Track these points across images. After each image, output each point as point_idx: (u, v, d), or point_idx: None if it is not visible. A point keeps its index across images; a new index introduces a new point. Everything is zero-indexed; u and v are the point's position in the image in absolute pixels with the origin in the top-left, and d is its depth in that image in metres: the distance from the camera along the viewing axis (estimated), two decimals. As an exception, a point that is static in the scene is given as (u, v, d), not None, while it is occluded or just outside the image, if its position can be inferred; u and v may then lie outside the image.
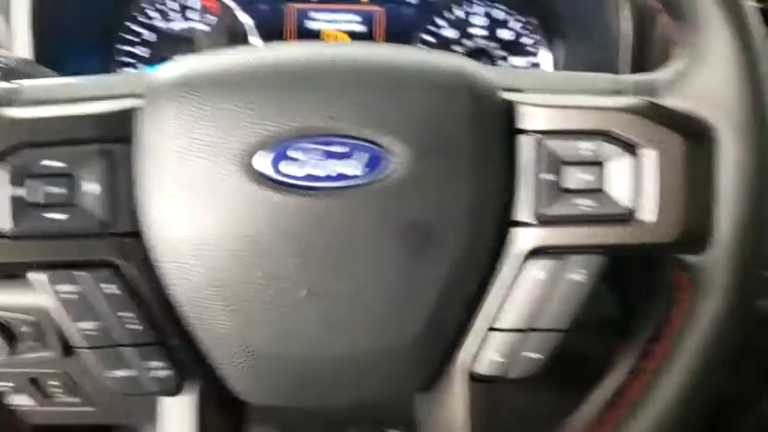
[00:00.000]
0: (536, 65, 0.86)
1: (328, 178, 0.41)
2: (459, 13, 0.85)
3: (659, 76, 0.44)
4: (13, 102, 0.42)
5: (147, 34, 0.83)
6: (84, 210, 0.41)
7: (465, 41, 0.85)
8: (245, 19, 0.83)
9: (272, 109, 0.40)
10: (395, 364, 0.43)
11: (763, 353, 0.69)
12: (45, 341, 0.56)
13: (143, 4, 0.83)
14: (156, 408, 0.46)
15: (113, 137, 0.41)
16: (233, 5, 0.82)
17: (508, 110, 0.43)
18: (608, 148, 0.42)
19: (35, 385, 0.62)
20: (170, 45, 0.82)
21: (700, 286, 0.43)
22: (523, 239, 0.43)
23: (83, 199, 0.40)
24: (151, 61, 0.82)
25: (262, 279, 0.41)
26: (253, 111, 0.40)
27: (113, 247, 0.41)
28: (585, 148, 0.42)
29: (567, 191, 0.43)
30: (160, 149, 0.40)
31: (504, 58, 0.85)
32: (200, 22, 0.83)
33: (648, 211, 0.42)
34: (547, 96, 0.44)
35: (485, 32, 0.85)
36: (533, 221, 0.43)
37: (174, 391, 0.43)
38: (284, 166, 0.40)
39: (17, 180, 0.40)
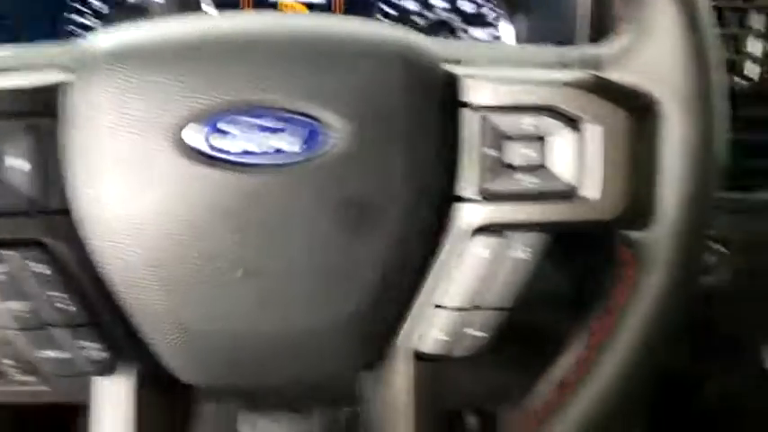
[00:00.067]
0: (497, 38, 0.85)
1: (265, 154, 0.39)
2: (419, -16, 0.84)
3: (605, 50, 0.43)
4: None
5: (98, 5, 0.80)
6: (10, 186, 0.39)
7: (426, 13, 0.84)
8: (200, -11, 0.81)
9: (203, 81, 0.39)
10: (334, 342, 0.42)
11: (714, 328, 0.69)
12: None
13: (94, -27, 0.80)
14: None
15: (39, 111, 0.39)
16: (188, -25, 0.81)
17: (450, 83, 0.42)
18: (551, 123, 0.41)
19: None
20: (123, 15, 0.80)
21: (643, 262, 0.43)
22: (466, 216, 0.42)
23: (9, 175, 0.39)
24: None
25: (197, 258, 0.40)
26: (183, 83, 0.39)
27: (42, 225, 0.40)
28: (528, 122, 0.41)
29: (511, 166, 0.42)
30: (88, 124, 0.39)
31: (465, 31, 0.84)
32: (153, -9, 0.81)
33: (592, 188, 0.42)
34: (490, 69, 0.42)
35: (446, 4, 0.84)
36: (476, 197, 0.42)
37: (109, 370, 0.42)
38: (217, 141, 0.39)
39: None
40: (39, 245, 0.40)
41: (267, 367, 0.43)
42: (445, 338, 0.44)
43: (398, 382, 0.45)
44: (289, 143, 0.40)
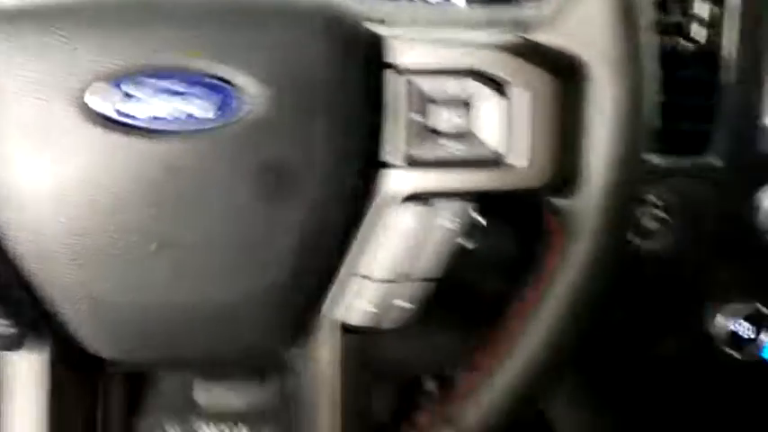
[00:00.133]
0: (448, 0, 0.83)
1: (176, 120, 0.37)
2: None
3: (534, 12, 0.42)
4: None
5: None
6: None
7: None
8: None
9: (105, 41, 0.37)
10: (253, 314, 0.41)
11: (657, 294, 0.69)
12: None
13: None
14: None
15: None
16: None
17: (374, 43, 0.40)
18: (477, 88, 0.40)
19: None
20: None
21: (570, 230, 0.42)
22: (392, 182, 0.41)
23: None
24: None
25: (108, 229, 0.38)
26: (83, 43, 0.36)
27: None
28: (454, 86, 0.40)
29: (436, 132, 0.40)
30: None
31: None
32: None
33: (519, 155, 0.40)
34: (416, 30, 0.41)
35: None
36: (400, 163, 0.40)
37: (17, 345, 0.41)
38: (124, 106, 0.37)
39: None
40: None
41: (182, 341, 0.42)
42: (372, 310, 0.42)
43: (325, 354, 0.43)
44: (201, 108, 0.38)
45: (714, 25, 0.66)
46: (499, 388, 0.44)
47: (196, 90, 0.38)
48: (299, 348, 0.44)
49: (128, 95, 0.37)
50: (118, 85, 0.37)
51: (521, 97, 0.40)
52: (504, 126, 0.40)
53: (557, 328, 0.43)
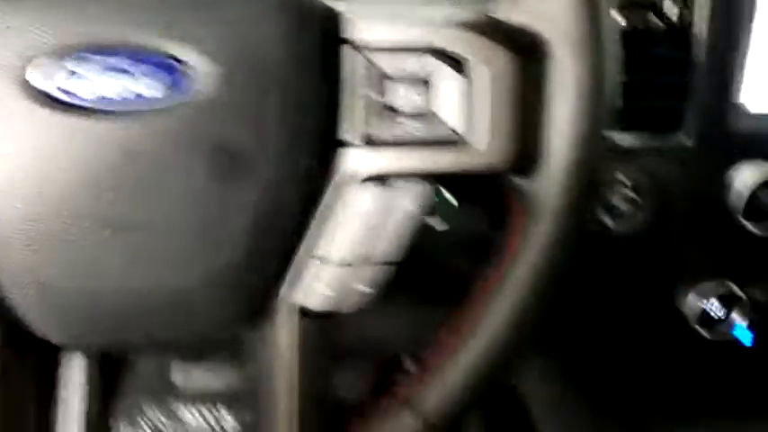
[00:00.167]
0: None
1: (125, 101, 0.36)
2: None
3: None
4: None
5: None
6: None
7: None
8: None
9: (49, 15, 0.35)
10: (209, 297, 0.40)
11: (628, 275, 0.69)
12: None
13: None
14: None
15: None
16: None
17: (331, 19, 0.39)
18: (437, 66, 0.39)
19: None
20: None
21: (532, 210, 0.41)
22: (350, 162, 0.40)
23: None
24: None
25: (62, 215, 0.37)
26: (24, 16, 0.35)
27: None
28: (413, 64, 0.39)
29: (395, 110, 0.39)
30: None
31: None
32: None
33: (479, 135, 0.39)
34: (375, 6, 0.40)
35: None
36: (358, 142, 0.39)
37: None
38: (69, 84, 0.35)
39: None
40: None
41: (134, 325, 0.41)
42: (331, 294, 0.42)
43: (283, 338, 0.43)
44: (150, 88, 0.36)
45: (686, 3, 0.66)
46: (461, 369, 0.43)
47: (144, 68, 0.36)
48: (257, 332, 0.43)
49: (72, 73, 0.36)
50: (61, 62, 0.35)
51: (481, 76, 0.39)
52: (463, 105, 0.39)
53: (518, 309, 0.42)
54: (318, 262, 0.41)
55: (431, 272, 0.65)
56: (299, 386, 0.43)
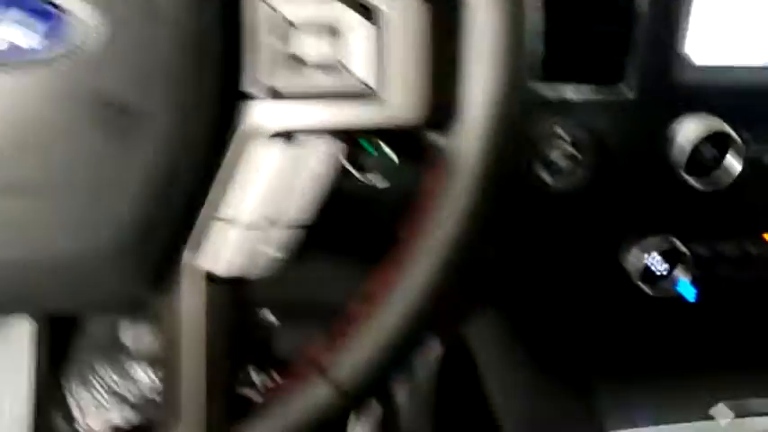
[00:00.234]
0: None
1: (-2, 51, 0.33)
2: None
3: None
4: None
5: None
6: None
7: None
8: None
9: None
10: (103, 265, 0.37)
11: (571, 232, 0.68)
12: None
13: None
14: None
15: None
16: None
17: None
18: (346, 13, 0.36)
19: None
20: None
21: (450, 168, 0.39)
22: (254, 116, 0.37)
23: None
24: None
25: None
26: None
27: None
28: (319, 11, 0.36)
29: (301, 61, 0.37)
30: None
31: None
32: None
33: (392, 88, 0.37)
34: None
35: None
36: (263, 95, 0.37)
37: None
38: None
39: None
40: None
41: (25, 298, 0.38)
42: (238, 259, 0.39)
43: (188, 304, 0.40)
44: (26, 37, 0.33)
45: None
46: (374, 337, 0.41)
47: (18, 15, 0.33)
48: (163, 297, 0.41)
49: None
50: None
51: (392, 24, 0.36)
52: (374, 56, 0.37)
53: (434, 273, 0.40)
54: (224, 224, 0.39)
55: (372, 230, 0.63)
56: (207, 355, 0.40)
